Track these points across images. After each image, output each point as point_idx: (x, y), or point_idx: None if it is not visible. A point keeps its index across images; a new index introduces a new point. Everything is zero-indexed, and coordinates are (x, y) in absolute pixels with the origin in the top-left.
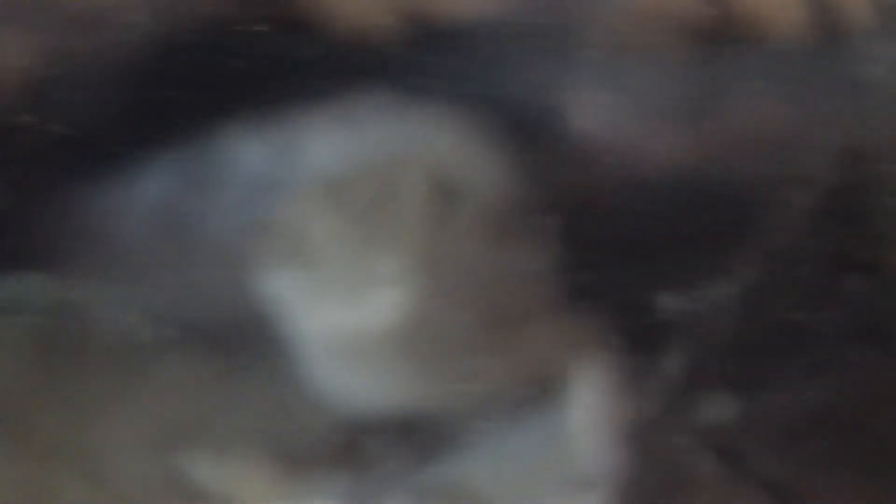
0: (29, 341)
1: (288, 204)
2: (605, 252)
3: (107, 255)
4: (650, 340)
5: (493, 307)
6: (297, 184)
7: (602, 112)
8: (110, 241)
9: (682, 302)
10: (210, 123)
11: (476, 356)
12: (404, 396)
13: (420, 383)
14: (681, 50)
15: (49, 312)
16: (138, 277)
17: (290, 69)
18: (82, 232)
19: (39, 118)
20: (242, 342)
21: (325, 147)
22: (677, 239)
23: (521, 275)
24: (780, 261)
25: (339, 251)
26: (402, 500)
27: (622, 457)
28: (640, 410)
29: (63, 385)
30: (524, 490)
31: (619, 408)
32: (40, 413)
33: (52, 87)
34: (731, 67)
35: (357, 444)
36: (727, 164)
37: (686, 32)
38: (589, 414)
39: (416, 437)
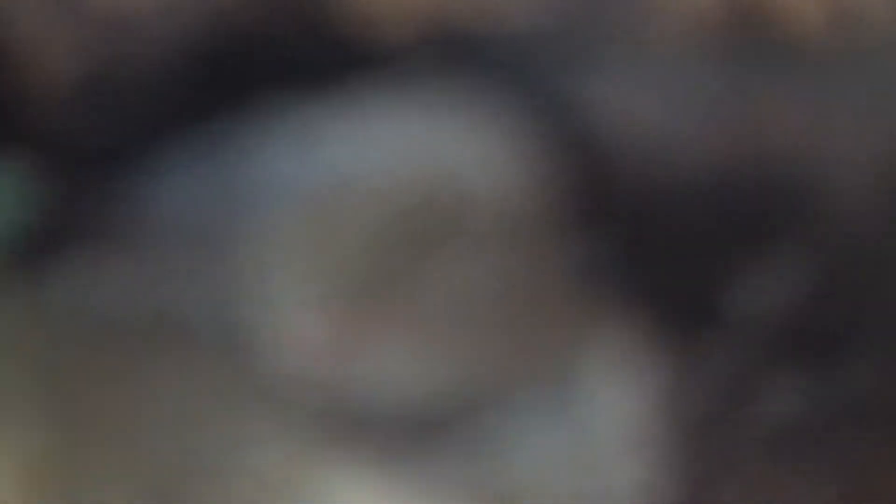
0: (71, 320)
1: (284, 211)
2: (645, 249)
3: (136, 250)
4: (698, 333)
5: (515, 306)
6: (314, 189)
7: (633, 111)
8: (140, 235)
9: (732, 296)
10: (233, 127)
11: (501, 348)
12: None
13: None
14: (708, 48)
15: (89, 296)
16: (164, 272)
17: (312, 74)
18: (116, 225)
19: (78, 121)
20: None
21: (344, 153)
22: (721, 235)
23: (546, 274)
24: (828, 252)
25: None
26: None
27: (666, 447)
28: (688, 402)
29: (102, 361)
30: (551, 468)
31: (665, 399)
32: (80, 387)
33: (88, 91)
34: (760, 66)
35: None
36: (759, 163)
37: (711, 31)
38: (624, 403)
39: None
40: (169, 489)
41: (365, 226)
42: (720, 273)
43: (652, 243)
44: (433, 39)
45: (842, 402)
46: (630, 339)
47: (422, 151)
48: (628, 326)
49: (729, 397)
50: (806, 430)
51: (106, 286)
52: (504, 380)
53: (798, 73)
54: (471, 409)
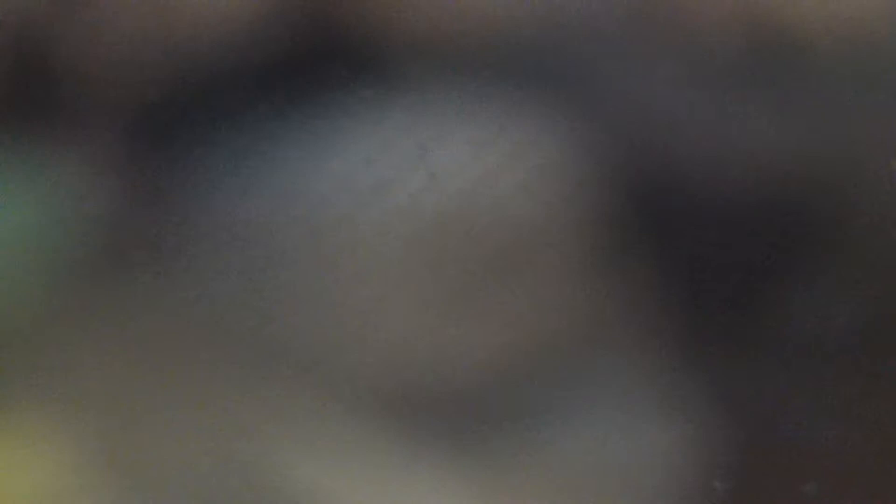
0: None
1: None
2: (685, 261)
3: (189, 257)
4: (737, 350)
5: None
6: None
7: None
8: (192, 242)
9: (775, 313)
10: (286, 131)
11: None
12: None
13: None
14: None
15: (143, 303)
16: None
17: (352, 76)
18: (167, 231)
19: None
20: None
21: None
22: (764, 250)
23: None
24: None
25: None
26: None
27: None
28: (727, 421)
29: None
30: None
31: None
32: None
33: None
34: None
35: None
36: (800, 167)
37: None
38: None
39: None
40: (231, 470)
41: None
42: (763, 290)
43: (692, 255)
44: (477, 53)
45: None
46: (664, 350)
47: (469, 165)
48: (662, 336)
49: (767, 418)
50: (851, 454)
51: (161, 292)
52: (554, 372)
53: (821, 81)
54: (528, 397)
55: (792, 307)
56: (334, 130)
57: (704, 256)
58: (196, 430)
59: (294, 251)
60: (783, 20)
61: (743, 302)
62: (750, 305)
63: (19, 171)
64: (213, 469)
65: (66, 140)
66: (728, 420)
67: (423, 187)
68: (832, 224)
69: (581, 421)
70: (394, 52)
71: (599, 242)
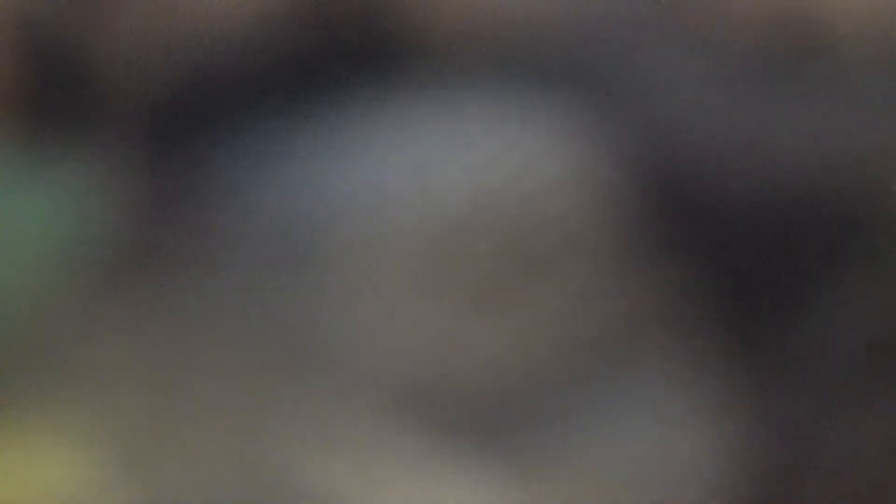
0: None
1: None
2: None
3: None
4: (768, 355)
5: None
6: (390, 196)
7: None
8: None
9: (806, 318)
10: (313, 133)
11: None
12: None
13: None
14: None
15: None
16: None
17: (389, 81)
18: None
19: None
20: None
21: (424, 164)
22: (793, 252)
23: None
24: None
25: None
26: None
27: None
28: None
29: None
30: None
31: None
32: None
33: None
34: (809, 74)
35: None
36: (825, 176)
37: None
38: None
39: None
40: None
41: (445, 234)
42: (792, 293)
43: (721, 260)
44: (509, 54)
45: None
46: (695, 352)
47: (500, 164)
48: (694, 340)
49: (798, 424)
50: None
51: (167, 292)
52: (579, 373)
53: (847, 80)
54: (549, 396)
55: (822, 313)
56: (336, 130)
57: (725, 259)
58: (205, 430)
59: (300, 250)
60: (806, 19)
61: (767, 307)
62: (772, 310)
63: (27, 172)
64: (221, 469)
65: (72, 142)
66: (754, 426)
67: (429, 187)
68: (857, 227)
69: (600, 421)
70: (394, 53)
71: (617, 249)
